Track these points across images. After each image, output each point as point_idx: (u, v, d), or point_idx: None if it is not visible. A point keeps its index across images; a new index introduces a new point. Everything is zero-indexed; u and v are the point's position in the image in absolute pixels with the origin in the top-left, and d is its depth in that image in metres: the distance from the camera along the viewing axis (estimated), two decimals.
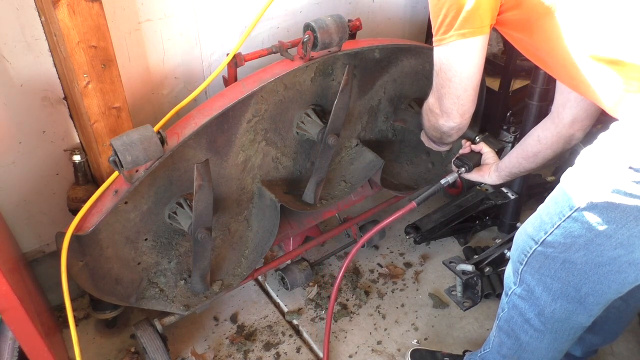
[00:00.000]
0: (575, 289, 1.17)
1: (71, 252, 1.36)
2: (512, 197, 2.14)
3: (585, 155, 1.07)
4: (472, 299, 1.78)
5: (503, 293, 1.36)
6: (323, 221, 2.03)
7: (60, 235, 1.35)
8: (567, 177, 1.10)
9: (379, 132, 2.01)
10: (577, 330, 1.27)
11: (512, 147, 2.39)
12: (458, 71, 1.22)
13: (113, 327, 1.85)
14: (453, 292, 1.85)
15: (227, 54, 1.56)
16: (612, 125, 1.03)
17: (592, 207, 1.03)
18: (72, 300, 1.51)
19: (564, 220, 1.09)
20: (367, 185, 2.03)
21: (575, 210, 1.06)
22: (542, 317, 1.25)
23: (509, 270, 1.32)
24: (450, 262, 1.77)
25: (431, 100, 1.39)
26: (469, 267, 1.72)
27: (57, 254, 1.35)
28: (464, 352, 1.74)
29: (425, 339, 1.87)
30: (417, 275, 2.11)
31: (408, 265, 2.15)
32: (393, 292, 2.04)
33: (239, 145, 1.59)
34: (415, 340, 1.86)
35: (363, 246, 2.11)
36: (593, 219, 1.04)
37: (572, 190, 1.07)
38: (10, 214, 1.63)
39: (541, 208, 1.19)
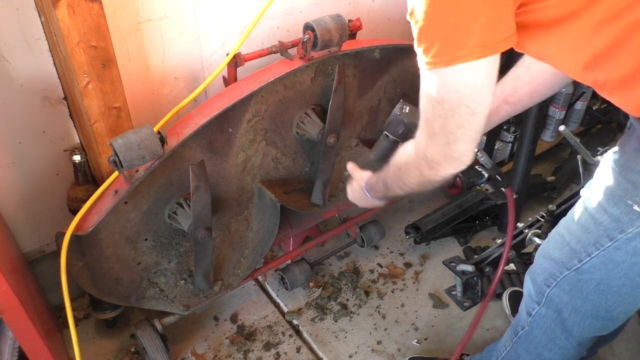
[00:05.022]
0: (607, 310, 1.14)
1: (71, 252, 1.36)
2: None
3: (607, 173, 1.01)
4: (472, 299, 1.78)
5: (523, 311, 1.30)
6: (323, 221, 2.03)
7: (60, 235, 1.35)
8: (595, 203, 1.04)
9: (379, 132, 2.00)
10: (597, 337, 1.26)
11: (513, 147, 2.41)
12: (484, 98, 0.88)
13: (113, 327, 1.85)
14: (453, 292, 1.85)
15: (227, 54, 1.56)
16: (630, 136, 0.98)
17: (639, 235, 0.98)
18: (72, 300, 1.51)
19: (603, 250, 1.04)
20: None
21: (616, 241, 1.01)
22: (570, 337, 1.22)
23: (529, 290, 1.26)
24: (450, 262, 1.77)
25: (429, 150, 0.98)
26: (469, 267, 1.72)
27: (57, 254, 1.35)
28: (462, 355, 1.74)
29: (425, 339, 1.87)
30: (417, 275, 2.11)
31: (408, 265, 2.15)
32: (393, 292, 2.04)
33: (239, 145, 1.59)
34: (415, 340, 1.86)
35: (362, 246, 2.13)
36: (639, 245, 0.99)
37: (608, 219, 1.01)
38: (10, 214, 1.63)
39: (565, 234, 1.13)
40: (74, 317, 1.44)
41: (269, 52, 1.62)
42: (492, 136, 2.32)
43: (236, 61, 1.58)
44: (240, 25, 1.78)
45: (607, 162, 1.03)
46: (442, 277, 2.08)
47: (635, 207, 0.96)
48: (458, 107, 0.88)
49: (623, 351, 1.81)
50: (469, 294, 1.78)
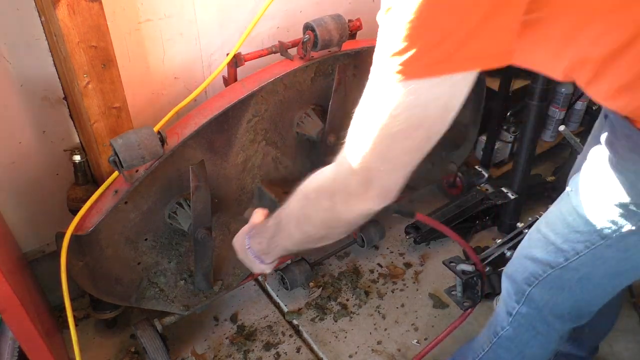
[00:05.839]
0: (587, 301, 1.14)
1: (71, 252, 1.36)
2: (512, 197, 2.14)
3: (598, 172, 0.97)
4: (472, 299, 1.78)
5: (502, 311, 1.29)
6: None
7: (60, 235, 1.35)
8: (586, 202, 0.99)
9: None
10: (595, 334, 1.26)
11: (513, 147, 2.41)
12: (446, 124, 0.72)
13: (113, 327, 1.85)
14: (453, 292, 1.84)
15: (227, 54, 1.56)
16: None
17: (632, 233, 0.94)
18: (72, 300, 1.51)
19: (594, 249, 1.00)
20: None
21: (609, 239, 0.97)
22: (552, 331, 1.21)
23: (508, 290, 1.23)
24: (450, 262, 1.76)
25: (351, 179, 0.79)
26: (469, 267, 1.72)
27: (57, 254, 1.35)
28: None
29: (425, 339, 1.87)
30: (417, 275, 2.11)
31: (408, 265, 2.15)
32: (393, 292, 2.04)
33: (239, 145, 1.59)
34: (415, 340, 1.86)
35: (362, 246, 2.13)
36: (632, 243, 0.96)
37: (601, 217, 0.97)
38: (10, 214, 1.63)
39: (550, 234, 1.08)
40: (74, 317, 1.43)
41: (269, 52, 1.63)
42: (492, 136, 2.32)
43: (236, 61, 1.58)
44: (240, 25, 1.78)
45: (596, 160, 0.98)
46: (442, 277, 2.08)
47: (632, 207, 0.93)
48: (416, 129, 0.71)
49: (623, 351, 1.81)
50: (469, 294, 1.78)
